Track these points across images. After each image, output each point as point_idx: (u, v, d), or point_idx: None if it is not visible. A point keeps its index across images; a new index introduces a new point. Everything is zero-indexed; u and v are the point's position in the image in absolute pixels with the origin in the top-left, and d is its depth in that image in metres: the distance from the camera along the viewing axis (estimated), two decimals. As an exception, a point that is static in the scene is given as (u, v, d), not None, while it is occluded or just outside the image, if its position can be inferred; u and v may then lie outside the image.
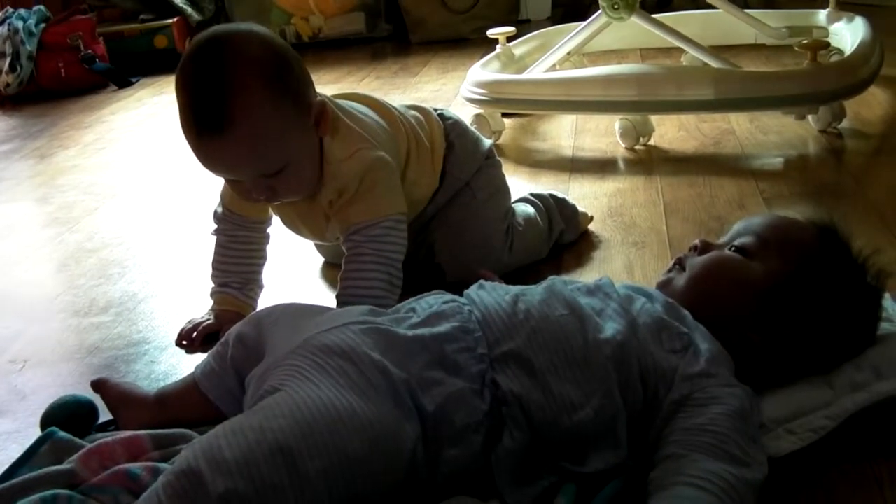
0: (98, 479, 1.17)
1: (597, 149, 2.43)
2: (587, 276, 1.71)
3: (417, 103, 1.77)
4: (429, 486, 1.10)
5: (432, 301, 1.24)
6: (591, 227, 1.91)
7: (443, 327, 1.17)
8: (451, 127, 1.74)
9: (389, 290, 1.51)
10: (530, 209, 1.81)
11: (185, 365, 1.57)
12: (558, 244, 1.83)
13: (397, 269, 1.53)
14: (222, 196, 1.66)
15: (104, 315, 1.79)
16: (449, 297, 1.25)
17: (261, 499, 0.98)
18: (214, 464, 0.99)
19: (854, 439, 1.16)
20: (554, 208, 1.84)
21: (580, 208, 1.90)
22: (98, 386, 1.39)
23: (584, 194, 2.10)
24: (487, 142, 1.80)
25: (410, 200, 1.61)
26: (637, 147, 2.38)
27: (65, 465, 1.21)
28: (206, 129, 1.38)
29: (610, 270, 1.73)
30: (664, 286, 1.29)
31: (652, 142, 2.40)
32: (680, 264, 1.30)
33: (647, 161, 2.30)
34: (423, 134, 1.69)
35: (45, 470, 1.20)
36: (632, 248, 1.81)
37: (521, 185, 2.10)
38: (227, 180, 1.53)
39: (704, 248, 1.29)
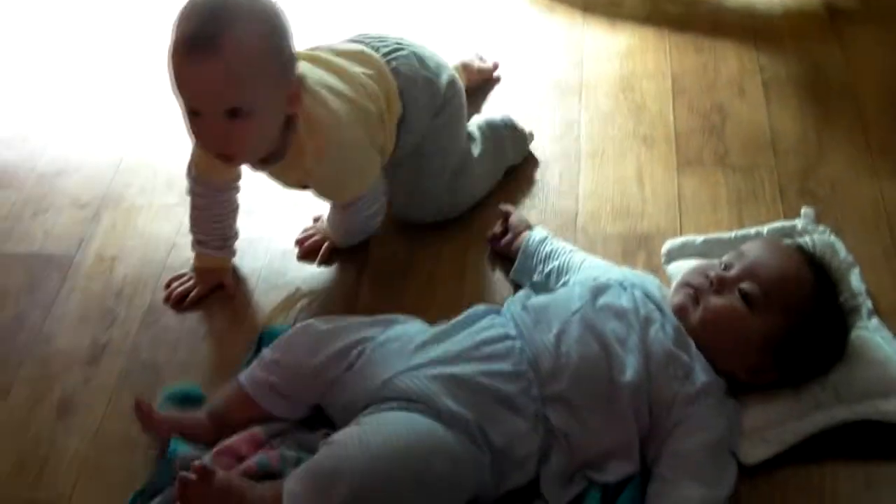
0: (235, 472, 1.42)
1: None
2: (604, 188, 1.94)
3: (366, 48, 1.79)
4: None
5: (488, 335, 1.47)
6: (606, 103, 2.12)
7: (501, 367, 1.43)
8: (404, 84, 1.78)
9: (375, 228, 1.81)
10: (477, 150, 1.93)
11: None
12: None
13: (381, 211, 1.80)
14: (194, 161, 1.77)
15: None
16: (501, 328, 1.49)
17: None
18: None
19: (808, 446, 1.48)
20: (501, 137, 1.97)
21: (526, 129, 2.02)
22: (146, 419, 1.53)
23: (596, 51, 2.26)
24: (444, 81, 1.85)
25: (382, 156, 1.77)
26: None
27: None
28: (197, 46, 1.48)
29: (623, 176, 1.96)
30: (679, 311, 1.51)
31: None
32: (696, 296, 1.51)
33: (658, 3, 2.40)
34: (381, 98, 1.75)
35: None
36: (641, 145, 2.02)
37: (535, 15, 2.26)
38: (188, 116, 1.57)
39: (719, 286, 1.49)
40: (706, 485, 1.39)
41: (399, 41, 1.82)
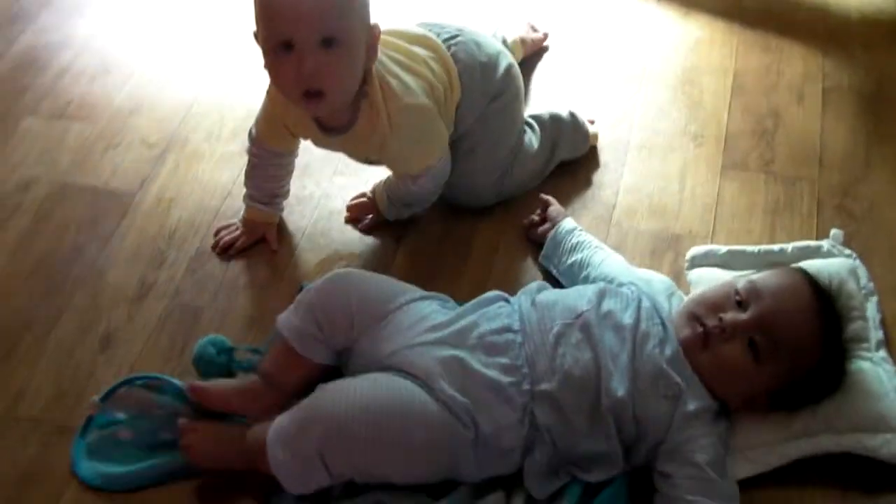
0: None
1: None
2: (645, 183, 1.99)
3: (429, 32, 1.85)
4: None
5: (492, 326, 1.56)
6: (664, 95, 2.15)
7: (499, 358, 1.52)
8: (462, 70, 1.83)
9: (437, 193, 1.88)
10: (534, 143, 1.97)
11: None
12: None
13: (446, 175, 1.85)
14: (257, 126, 1.85)
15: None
16: (506, 318, 1.57)
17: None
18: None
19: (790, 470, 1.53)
20: (561, 135, 2.00)
21: (590, 129, 2.05)
22: (203, 398, 1.59)
23: (665, 40, 2.30)
24: (501, 69, 1.90)
25: None
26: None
27: None
28: None
29: (666, 173, 2.00)
30: (685, 345, 1.54)
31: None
32: (705, 335, 1.52)
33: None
34: (445, 80, 1.81)
35: None
36: (690, 142, 2.06)
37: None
38: (277, 60, 1.60)
39: (731, 332, 1.51)
40: (721, 498, 1.47)
41: (459, 28, 1.88)
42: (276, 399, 1.58)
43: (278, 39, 1.58)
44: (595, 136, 2.06)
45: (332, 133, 1.74)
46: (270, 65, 1.63)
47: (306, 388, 1.55)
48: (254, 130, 1.86)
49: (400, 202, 1.87)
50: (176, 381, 1.64)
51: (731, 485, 1.49)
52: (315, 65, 1.57)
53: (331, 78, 1.60)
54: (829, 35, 2.29)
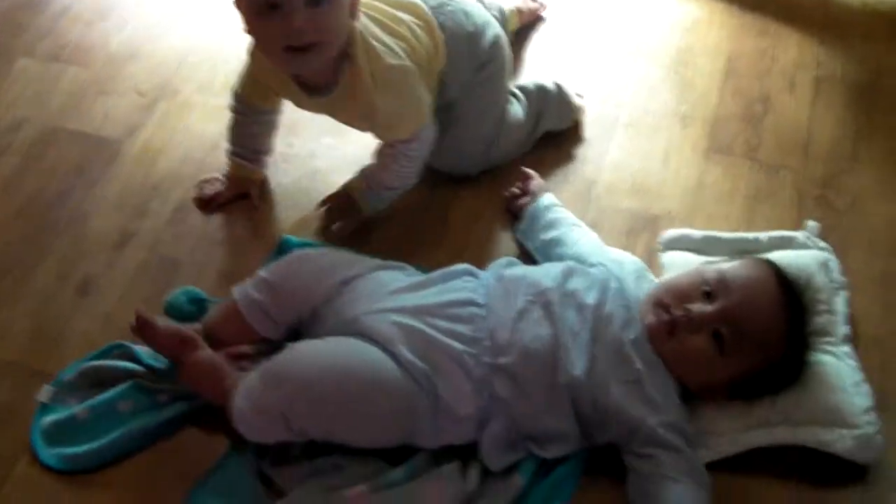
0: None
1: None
2: (629, 161, 2.00)
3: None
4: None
5: (456, 297, 1.58)
6: (656, 74, 2.15)
7: (461, 329, 1.54)
8: (449, 39, 1.83)
9: (416, 178, 1.85)
10: (520, 114, 1.98)
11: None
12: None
13: (421, 166, 1.84)
14: (241, 83, 1.86)
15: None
16: (470, 292, 1.59)
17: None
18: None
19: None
20: (547, 106, 2.01)
21: (576, 101, 2.05)
22: (146, 330, 1.61)
23: (662, 18, 2.29)
24: (488, 39, 1.90)
25: None
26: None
27: None
28: None
29: (651, 152, 2.01)
30: (650, 333, 1.56)
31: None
32: (671, 324, 1.54)
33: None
34: (429, 47, 1.81)
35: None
36: (678, 123, 2.06)
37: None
38: (262, 20, 1.60)
39: (698, 323, 1.52)
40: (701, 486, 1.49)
41: None
42: (204, 354, 1.59)
43: (264, 1, 1.58)
44: (581, 109, 2.06)
45: (314, 94, 1.75)
46: (255, 26, 1.63)
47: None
48: (238, 87, 1.87)
49: (380, 185, 1.85)
50: (130, 345, 1.66)
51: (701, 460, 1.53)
52: (303, 21, 1.57)
53: (320, 32, 1.60)
54: (827, 22, 2.28)
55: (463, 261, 1.70)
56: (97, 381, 1.64)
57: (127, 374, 1.63)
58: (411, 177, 1.85)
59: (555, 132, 2.03)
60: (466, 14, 1.87)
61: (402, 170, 1.82)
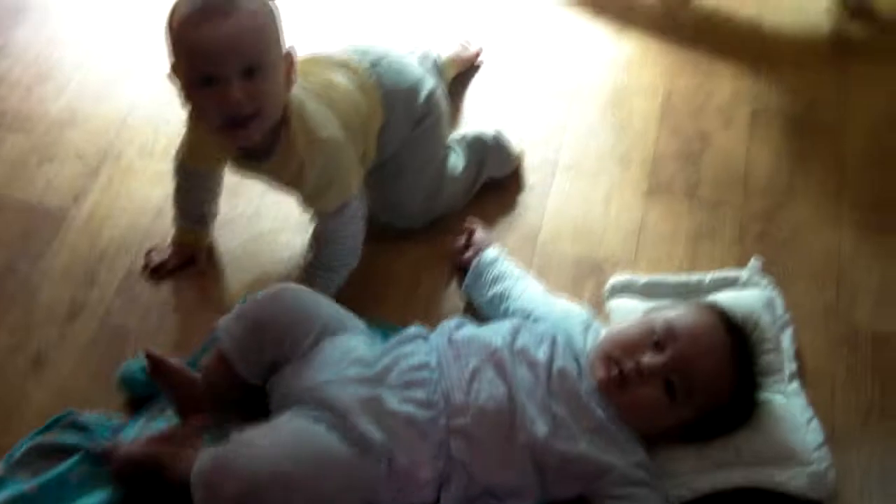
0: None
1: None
2: (571, 206, 2.03)
3: (352, 57, 1.86)
4: None
5: (410, 363, 1.60)
6: (593, 115, 2.19)
7: (416, 394, 1.56)
8: (385, 96, 1.86)
9: (357, 254, 1.85)
10: (459, 165, 2.00)
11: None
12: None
13: (363, 233, 1.84)
14: (181, 149, 1.87)
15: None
16: (424, 356, 1.61)
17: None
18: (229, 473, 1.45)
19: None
20: (487, 155, 2.04)
21: (515, 149, 2.08)
22: (157, 365, 1.66)
23: (597, 57, 2.32)
24: (424, 93, 1.92)
25: (363, 165, 1.85)
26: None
27: None
28: (211, 10, 1.56)
29: (591, 196, 2.04)
30: (602, 386, 1.58)
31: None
32: (622, 377, 1.56)
33: (669, 11, 2.42)
34: (365, 107, 1.82)
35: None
36: (617, 165, 2.09)
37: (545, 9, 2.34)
38: (200, 94, 1.62)
39: (648, 374, 1.55)
40: None
41: (384, 52, 1.90)
42: (205, 394, 1.65)
43: (200, 75, 1.60)
44: (520, 156, 2.09)
45: (253, 160, 1.76)
46: (193, 99, 1.65)
47: (230, 392, 1.65)
48: (179, 154, 1.88)
49: (323, 267, 1.84)
50: (84, 416, 1.67)
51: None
52: (240, 95, 1.59)
53: (256, 102, 1.62)
54: (760, 55, 2.32)
55: (410, 314, 1.74)
56: (47, 454, 1.63)
57: (76, 447, 1.63)
58: (349, 256, 1.85)
59: (496, 180, 2.06)
60: (400, 71, 1.90)
61: (340, 246, 1.83)
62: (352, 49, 1.89)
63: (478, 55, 2.30)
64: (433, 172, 1.95)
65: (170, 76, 1.65)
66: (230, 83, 1.59)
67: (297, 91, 1.71)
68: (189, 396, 1.66)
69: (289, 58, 1.66)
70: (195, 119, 1.78)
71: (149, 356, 1.66)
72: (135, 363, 1.73)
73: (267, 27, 1.62)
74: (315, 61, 1.83)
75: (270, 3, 1.65)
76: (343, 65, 1.84)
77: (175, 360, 1.68)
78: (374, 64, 1.87)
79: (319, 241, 1.84)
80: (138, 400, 1.72)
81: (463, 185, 2.01)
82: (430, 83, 1.95)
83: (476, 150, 2.03)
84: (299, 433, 1.52)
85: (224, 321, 1.65)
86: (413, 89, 1.90)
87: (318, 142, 1.71)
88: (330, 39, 2.03)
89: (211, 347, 1.69)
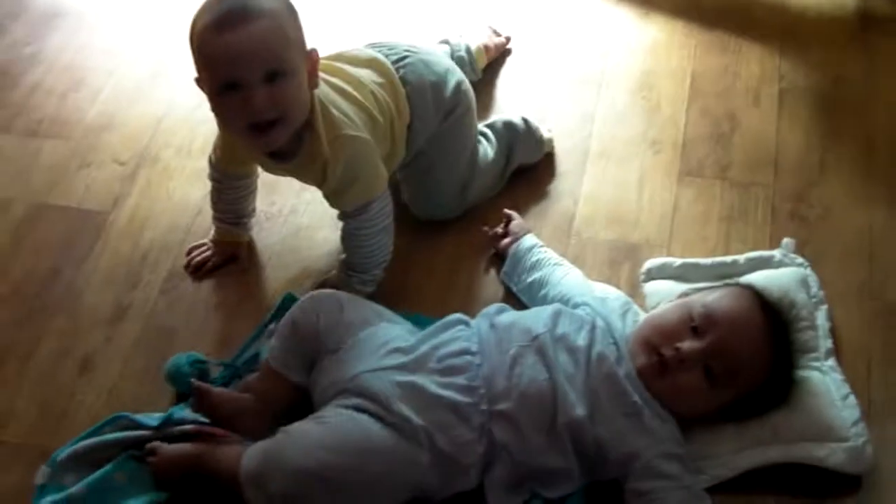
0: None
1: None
2: (604, 191, 2.05)
3: (378, 55, 1.88)
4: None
5: (451, 349, 1.63)
6: (622, 101, 2.20)
7: (457, 379, 1.59)
8: (412, 92, 1.88)
9: (387, 252, 1.86)
10: (490, 153, 2.03)
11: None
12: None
13: (390, 232, 1.85)
14: (215, 152, 1.89)
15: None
16: (464, 342, 1.64)
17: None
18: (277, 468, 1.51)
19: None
20: (516, 142, 2.06)
21: (545, 134, 2.11)
22: (204, 399, 1.68)
23: (623, 42, 2.35)
24: (451, 87, 1.94)
25: (391, 163, 1.88)
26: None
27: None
28: (233, 17, 1.58)
29: (624, 181, 2.06)
30: (642, 373, 1.61)
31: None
32: (662, 363, 1.59)
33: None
34: (392, 107, 1.85)
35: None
36: (648, 149, 2.11)
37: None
38: (223, 100, 1.64)
39: (689, 360, 1.57)
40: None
41: (408, 48, 1.92)
42: (262, 412, 1.67)
43: (222, 82, 1.62)
44: (550, 142, 2.11)
45: (279, 160, 1.77)
46: (217, 106, 1.67)
47: (287, 403, 1.68)
48: (213, 156, 1.90)
49: (355, 268, 1.86)
50: (127, 415, 1.69)
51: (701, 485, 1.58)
52: (263, 100, 1.61)
53: (279, 107, 1.63)
54: (786, 33, 2.33)
55: (450, 305, 1.77)
56: (93, 457, 1.65)
57: (121, 447, 1.65)
58: (378, 255, 1.85)
59: (528, 168, 2.08)
60: (427, 64, 1.92)
61: (366, 247, 1.84)
62: (377, 46, 1.92)
63: (507, 42, 2.33)
64: (465, 162, 1.97)
65: (197, 83, 1.68)
66: (253, 88, 1.60)
67: (323, 89, 1.73)
68: (242, 418, 1.67)
69: (311, 59, 1.68)
70: (222, 125, 1.81)
71: (195, 389, 1.69)
72: (182, 357, 1.75)
73: (288, 31, 1.63)
74: (341, 58, 1.85)
75: (289, 3, 1.66)
76: (369, 63, 1.86)
77: (218, 391, 1.70)
78: (400, 59, 1.89)
79: (346, 241, 1.86)
80: (186, 395, 1.73)
81: (495, 174, 2.03)
82: (456, 74, 1.97)
83: (506, 138, 2.05)
84: (342, 425, 1.55)
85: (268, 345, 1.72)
86: (440, 82, 1.92)
87: (341, 139, 1.72)
88: (356, 36, 2.07)
89: (251, 354, 1.77)
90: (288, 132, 1.68)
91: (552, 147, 2.12)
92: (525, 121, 2.08)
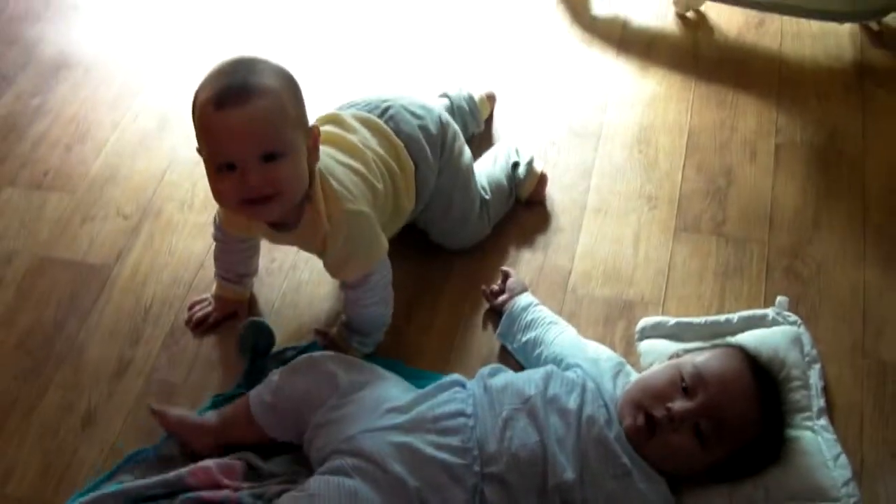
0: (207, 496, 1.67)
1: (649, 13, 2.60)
2: (600, 247, 2.07)
3: (370, 115, 1.91)
4: None
5: (446, 410, 1.65)
6: (620, 155, 2.24)
7: (451, 440, 1.62)
8: (408, 141, 1.91)
9: (387, 319, 1.90)
10: (485, 177, 2.10)
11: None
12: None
13: (389, 302, 1.89)
14: (219, 214, 1.90)
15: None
16: (460, 403, 1.67)
17: None
18: None
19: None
20: (512, 154, 2.16)
21: (536, 168, 2.15)
22: (160, 419, 1.78)
23: (622, 95, 2.37)
24: (435, 122, 1.96)
25: (399, 220, 1.93)
26: (688, 14, 2.55)
27: (174, 474, 1.70)
28: (232, 96, 1.58)
29: (621, 237, 2.08)
30: (630, 433, 1.63)
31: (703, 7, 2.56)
32: (651, 424, 1.61)
33: (691, 47, 2.48)
34: (392, 165, 1.87)
35: (160, 477, 1.70)
36: (645, 205, 2.13)
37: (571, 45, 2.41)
38: (220, 177, 1.64)
39: (679, 420, 1.59)
40: None
41: (384, 100, 1.94)
42: (217, 442, 1.76)
43: (220, 161, 1.63)
44: (542, 177, 2.16)
45: (279, 230, 1.79)
46: (214, 182, 1.67)
47: (250, 443, 1.76)
48: (217, 217, 1.92)
49: (355, 331, 1.89)
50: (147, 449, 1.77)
51: None
52: (258, 179, 1.61)
53: (278, 183, 1.63)
54: (783, 86, 2.36)
55: (447, 362, 1.83)
56: None
57: (122, 500, 1.69)
58: (378, 320, 1.89)
59: (525, 219, 2.12)
60: (407, 109, 1.95)
61: (366, 315, 1.87)
62: (352, 105, 1.94)
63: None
64: (474, 183, 2.03)
65: (198, 152, 1.68)
66: (248, 169, 1.60)
67: (323, 160, 1.73)
68: (200, 439, 1.76)
69: (312, 134, 1.68)
70: (217, 199, 1.79)
71: (153, 412, 1.78)
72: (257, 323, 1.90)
73: (287, 109, 1.62)
74: (336, 122, 1.87)
75: (290, 78, 1.67)
76: (363, 123, 1.89)
77: (176, 412, 1.79)
78: (384, 113, 1.92)
79: (346, 308, 1.89)
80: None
81: (503, 187, 2.10)
82: (434, 109, 2.00)
83: (504, 154, 2.15)
84: (329, 495, 1.56)
85: (255, 391, 1.75)
86: (425, 123, 1.95)
87: (341, 214, 1.73)
88: (348, 91, 2.11)
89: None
90: (284, 207, 1.69)
91: (545, 179, 2.17)
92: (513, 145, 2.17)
